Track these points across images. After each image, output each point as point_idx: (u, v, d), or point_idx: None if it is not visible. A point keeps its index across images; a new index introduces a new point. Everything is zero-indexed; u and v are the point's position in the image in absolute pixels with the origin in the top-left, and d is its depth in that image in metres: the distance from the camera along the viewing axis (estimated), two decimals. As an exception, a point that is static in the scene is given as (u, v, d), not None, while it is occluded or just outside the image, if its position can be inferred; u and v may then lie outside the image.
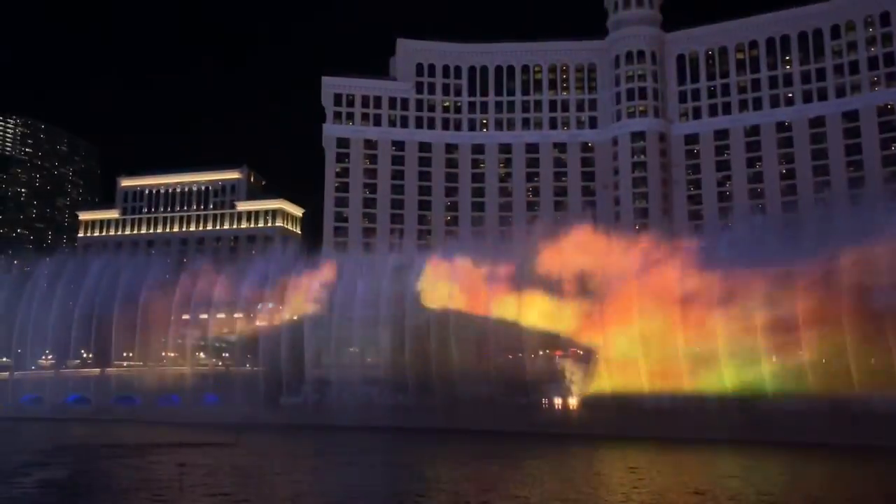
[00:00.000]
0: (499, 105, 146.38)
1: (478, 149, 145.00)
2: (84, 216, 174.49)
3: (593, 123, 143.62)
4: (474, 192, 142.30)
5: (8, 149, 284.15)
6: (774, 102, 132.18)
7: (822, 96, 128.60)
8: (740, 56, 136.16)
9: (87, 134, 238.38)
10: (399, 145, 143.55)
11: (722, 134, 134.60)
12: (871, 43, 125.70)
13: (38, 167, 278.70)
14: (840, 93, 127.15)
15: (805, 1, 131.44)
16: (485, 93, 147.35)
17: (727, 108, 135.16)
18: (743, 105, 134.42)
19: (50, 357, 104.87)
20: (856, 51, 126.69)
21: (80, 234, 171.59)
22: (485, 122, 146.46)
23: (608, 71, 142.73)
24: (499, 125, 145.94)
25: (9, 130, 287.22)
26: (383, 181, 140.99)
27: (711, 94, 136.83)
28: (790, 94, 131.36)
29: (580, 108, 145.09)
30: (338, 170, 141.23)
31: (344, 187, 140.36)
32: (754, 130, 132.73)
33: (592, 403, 66.75)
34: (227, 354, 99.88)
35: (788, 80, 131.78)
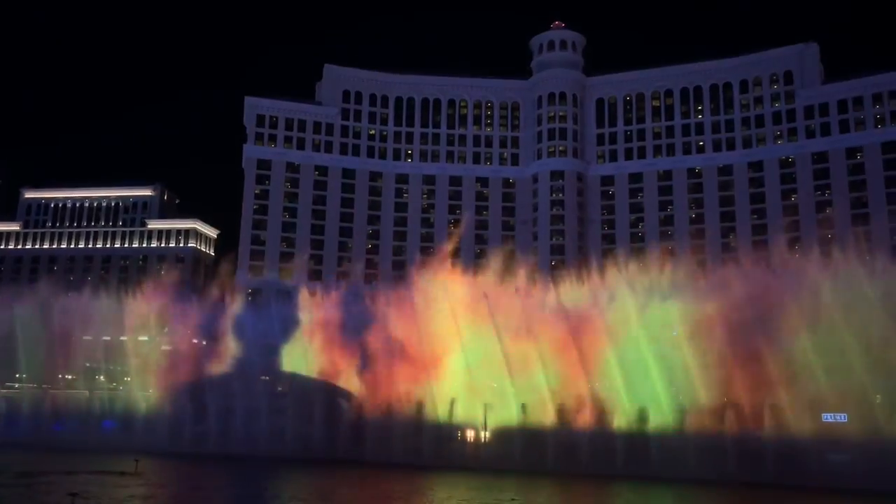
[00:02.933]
0: (424, 136, 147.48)
1: (402, 178, 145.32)
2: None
3: (515, 160, 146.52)
4: (396, 222, 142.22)
5: None
6: (687, 149, 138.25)
7: (731, 146, 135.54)
8: (656, 103, 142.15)
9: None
10: (322, 170, 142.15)
11: (636, 177, 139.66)
12: (776, 99, 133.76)
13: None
14: (746, 143, 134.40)
15: (717, 55, 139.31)
16: (410, 123, 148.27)
17: (642, 153, 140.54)
18: (657, 150, 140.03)
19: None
20: (762, 105, 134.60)
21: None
22: (409, 152, 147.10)
23: (531, 110, 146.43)
24: (423, 156, 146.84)
25: None
26: (304, 206, 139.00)
27: (628, 139, 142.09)
28: (701, 143, 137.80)
29: (503, 144, 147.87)
30: (257, 191, 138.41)
31: (263, 210, 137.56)
32: (667, 175, 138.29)
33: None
34: (128, 378, 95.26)
35: (700, 129, 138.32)
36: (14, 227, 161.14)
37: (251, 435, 70.25)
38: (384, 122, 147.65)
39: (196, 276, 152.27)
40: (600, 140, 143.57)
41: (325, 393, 72.61)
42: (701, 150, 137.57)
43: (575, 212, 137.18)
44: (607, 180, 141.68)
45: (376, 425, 63.63)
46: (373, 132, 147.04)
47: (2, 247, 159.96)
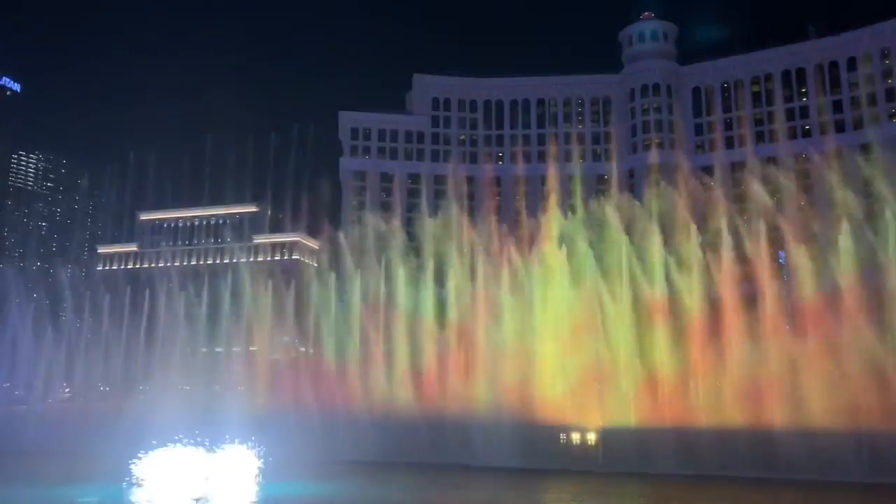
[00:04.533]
0: (514, 138, 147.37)
1: (494, 181, 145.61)
2: (103, 250, 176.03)
3: (609, 156, 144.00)
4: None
5: (30, 184, 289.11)
6: (792, 134, 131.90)
7: (840, 128, 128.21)
8: (756, 88, 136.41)
9: (107, 168, 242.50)
10: (415, 178, 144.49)
11: (739, 166, 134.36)
12: (889, 75, 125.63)
13: (59, 201, 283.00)
14: (857, 125, 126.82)
15: (820, 34, 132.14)
16: (500, 126, 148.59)
17: (743, 141, 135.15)
18: (759, 137, 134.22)
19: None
20: (872, 83, 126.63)
21: (99, 268, 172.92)
22: (500, 154, 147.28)
23: (623, 104, 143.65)
24: (514, 158, 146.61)
25: (31, 166, 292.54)
26: (398, 214, 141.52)
27: (728, 127, 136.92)
28: (807, 126, 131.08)
29: (596, 140, 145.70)
30: (354, 202, 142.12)
31: (361, 220, 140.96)
32: (772, 162, 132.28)
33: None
34: (241, 388, 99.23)
35: (805, 112, 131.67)
36: (132, 248, 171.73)
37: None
38: (473, 126, 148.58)
39: (301, 287, 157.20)
40: (698, 130, 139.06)
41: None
42: (807, 134, 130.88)
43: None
44: (707, 171, 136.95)
45: (481, 427, 62.75)
46: (463, 137, 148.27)
47: (122, 266, 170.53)
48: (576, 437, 61.20)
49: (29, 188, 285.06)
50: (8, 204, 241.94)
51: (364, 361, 77.61)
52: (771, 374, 57.99)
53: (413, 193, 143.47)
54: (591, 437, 60.78)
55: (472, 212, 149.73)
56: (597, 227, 73.85)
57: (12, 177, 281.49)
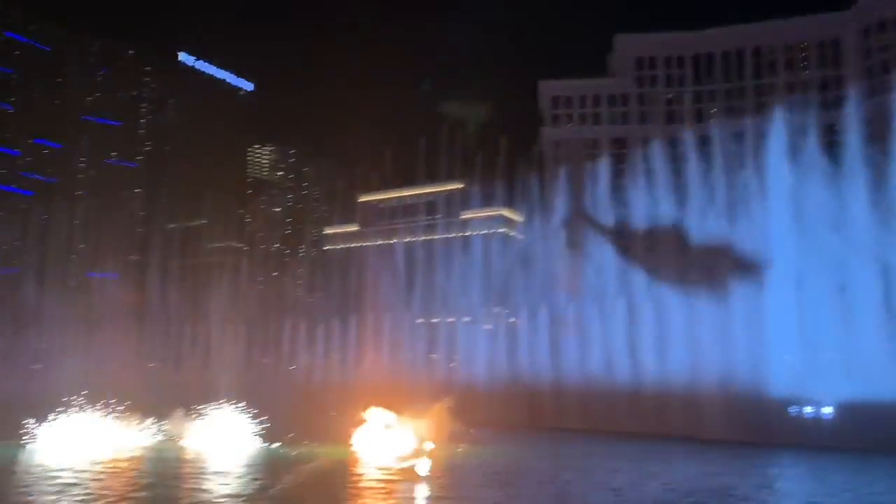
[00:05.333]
0: (728, 93, 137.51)
1: (706, 140, 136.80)
2: (329, 230, 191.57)
3: (840, 103, 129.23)
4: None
5: (265, 174, 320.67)
6: None
7: None
8: None
9: (329, 156, 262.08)
10: (620, 142, 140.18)
11: None
12: None
13: (290, 189, 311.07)
14: None
15: None
16: (711, 81, 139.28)
17: None
18: None
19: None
20: None
21: (326, 247, 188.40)
22: (713, 111, 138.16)
23: (856, 44, 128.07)
24: (728, 114, 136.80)
25: (265, 157, 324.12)
26: (605, 180, 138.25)
27: None
28: None
29: (824, 86, 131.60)
30: (558, 172, 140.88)
31: (565, 190, 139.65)
32: None
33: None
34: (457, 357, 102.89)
35: None
36: (353, 227, 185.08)
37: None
38: (682, 83, 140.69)
39: (509, 259, 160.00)
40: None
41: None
42: None
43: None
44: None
45: (710, 398, 59.30)
46: (671, 96, 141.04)
47: (346, 245, 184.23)
48: (809, 410, 56.55)
49: (264, 178, 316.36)
50: (248, 193, 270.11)
51: (575, 330, 77.11)
52: None
53: (619, 158, 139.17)
54: (826, 411, 55.85)
55: (683, 172, 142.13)
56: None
57: (250, 168, 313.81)
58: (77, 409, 45.56)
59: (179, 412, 48.49)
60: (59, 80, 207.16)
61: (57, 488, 29.42)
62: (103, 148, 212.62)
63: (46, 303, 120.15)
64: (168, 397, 52.18)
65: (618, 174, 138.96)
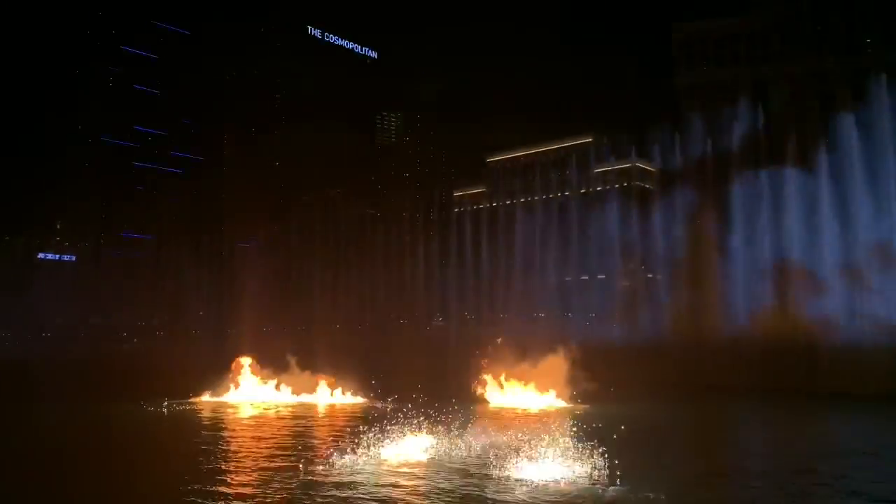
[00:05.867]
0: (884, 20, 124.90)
1: (860, 73, 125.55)
2: (458, 193, 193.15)
3: None
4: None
5: (393, 140, 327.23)
6: None
7: None
8: None
9: (454, 119, 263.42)
10: (762, 85, 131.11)
11: None
12: None
13: (419, 153, 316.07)
14: None
15: None
16: (864, 14, 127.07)
17: None
18: None
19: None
20: None
21: (456, 210, 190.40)
22: (867, 42, 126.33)
23: None
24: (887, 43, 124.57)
25: (392, 123, 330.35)
26: (742, 126, 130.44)
27: None
28: None
29: None
30: (692, 118, 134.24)
31: (699, 137, 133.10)
32: None
33: None
34: (592, 315, 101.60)
35: None
36: (482, 188, 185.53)
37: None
38: (825, 16, 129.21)
39: (643, 212, 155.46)
40: None
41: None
42: None
43: None
44: None
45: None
46: (814, 32, 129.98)
47: (475, 207, 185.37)
48: None
49: (392, 144, 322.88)
50: (378, 160, 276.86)
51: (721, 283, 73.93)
52: None
53: (758, 101, 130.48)
54: None
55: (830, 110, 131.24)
56: None
57: (378, 135, 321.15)
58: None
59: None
60: (199, 60, 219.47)
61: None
62: (242, 125, 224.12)
63: (202, 271, 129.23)
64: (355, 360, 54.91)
65: (758, 118, 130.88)
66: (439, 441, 25.88)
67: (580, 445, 23.43)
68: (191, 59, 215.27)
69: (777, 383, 54.18)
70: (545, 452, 22.63)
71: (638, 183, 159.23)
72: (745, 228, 76.06)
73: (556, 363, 44.67)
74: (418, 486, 20.46)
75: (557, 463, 22.02)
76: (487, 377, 45.88)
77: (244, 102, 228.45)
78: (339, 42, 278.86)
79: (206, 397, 47.76)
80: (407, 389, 42.42)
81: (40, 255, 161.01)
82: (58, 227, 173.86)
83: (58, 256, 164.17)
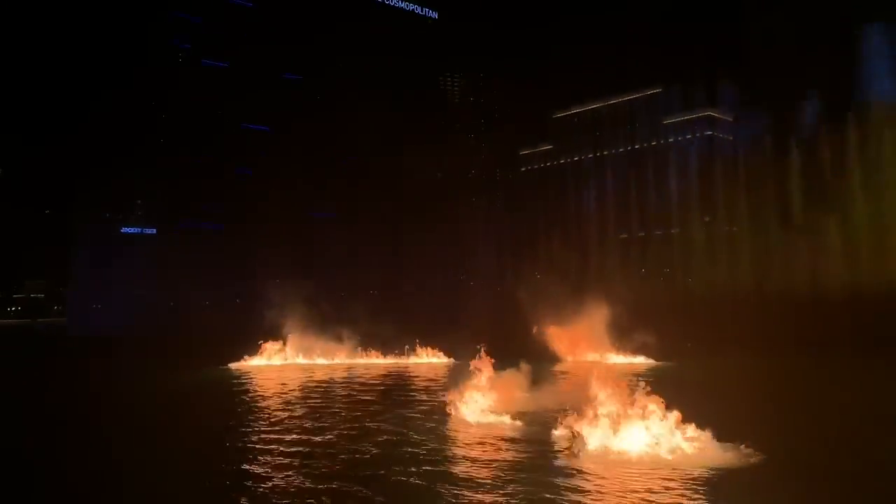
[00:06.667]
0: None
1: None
2: (523, 151, 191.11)
3: None
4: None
5: (456, 100, 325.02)
6: None
7: None
8: None
9: (518, 77, 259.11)
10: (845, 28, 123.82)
11: None
12: None
13: (483, 113, 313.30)
14: None
15: None
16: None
17: None
18: None
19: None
20: None
21: (522, 169, 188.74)
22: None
23: None
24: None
25: (455, 84, 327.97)
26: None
27: None
28: None
29: None
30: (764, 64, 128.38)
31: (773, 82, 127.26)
32: None
33: None
34: (667, 270, 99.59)
35: None
36: (547, 146, 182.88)
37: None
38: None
39: (718, 163, 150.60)
40: None
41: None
42: None
43: None
44: None
45: None
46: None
47: (540, 165, 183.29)
48: None
49: (455, 104, 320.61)
50: (442, 122, 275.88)
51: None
52: None
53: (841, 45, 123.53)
54: None
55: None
56: None
57: (441, 97, 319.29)
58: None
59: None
60: (264, 35, 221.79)
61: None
62: (307, 99, 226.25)
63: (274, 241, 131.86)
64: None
65: (838, 62, 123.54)
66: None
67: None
68: (253, 31, 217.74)
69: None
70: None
71: (710, 133, 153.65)
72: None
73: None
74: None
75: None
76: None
77: (308, 72, 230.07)
78: (401, 5, 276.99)
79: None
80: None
81: (123, 230, 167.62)
82: (139, 202, 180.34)
83: (139, 230, 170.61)
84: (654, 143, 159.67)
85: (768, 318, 56.65)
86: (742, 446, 17.64)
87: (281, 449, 20.92)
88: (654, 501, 14.72)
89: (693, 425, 18.04)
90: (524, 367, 28.44)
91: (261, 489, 16.71)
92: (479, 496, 15.49)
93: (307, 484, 16.96)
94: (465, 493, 15.78)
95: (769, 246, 73.33)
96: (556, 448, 19.22)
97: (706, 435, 17.84)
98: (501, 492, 15.69)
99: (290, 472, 18.07)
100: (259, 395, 34.36)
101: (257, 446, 21.57)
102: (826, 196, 70.95)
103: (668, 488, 15.36)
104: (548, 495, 15.30)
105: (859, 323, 50.82)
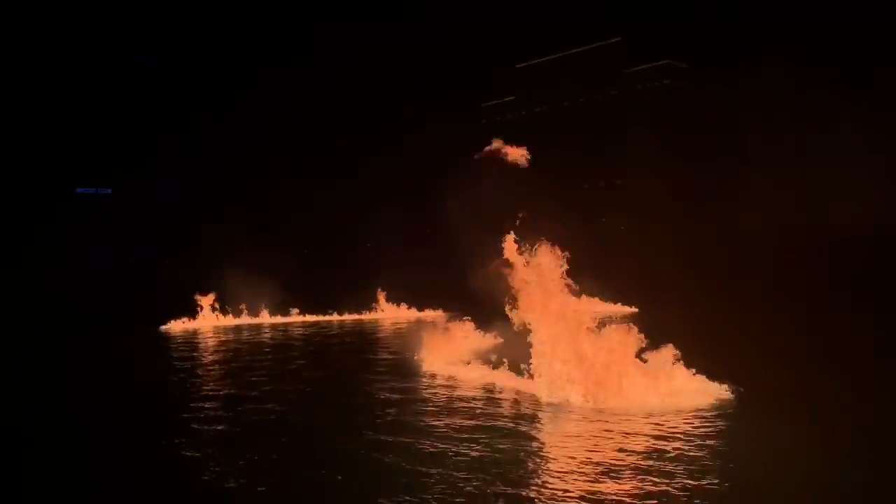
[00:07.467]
0: None
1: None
2: (485, 104, 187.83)
3: None
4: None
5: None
6: None
7: None
8: None
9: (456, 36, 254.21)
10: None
11: None
12: None
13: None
14: None
15: None
16: None
17: None
18: None
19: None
20: None
21: (483, 122, 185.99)
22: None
23: None
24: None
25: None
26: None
27: None
28: None
29: None
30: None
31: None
32: None
33: None
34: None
35: None
36: (509, 98, 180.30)
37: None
38: None
39: (677, 111, 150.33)
40: None
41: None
42: None
43: None
44: None
45: None
46: None
47: (505, 116, 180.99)
48: None
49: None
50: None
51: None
52: None
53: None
54: None
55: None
56: None
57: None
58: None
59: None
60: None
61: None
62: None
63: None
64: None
65: None
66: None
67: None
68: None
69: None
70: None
71: (669, 81, 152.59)
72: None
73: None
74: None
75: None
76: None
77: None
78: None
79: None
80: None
81: (79, 190, 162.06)
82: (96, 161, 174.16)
83: (95, 190, 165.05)
84: (614, 93, 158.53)
85: (734, 265, 56.07)
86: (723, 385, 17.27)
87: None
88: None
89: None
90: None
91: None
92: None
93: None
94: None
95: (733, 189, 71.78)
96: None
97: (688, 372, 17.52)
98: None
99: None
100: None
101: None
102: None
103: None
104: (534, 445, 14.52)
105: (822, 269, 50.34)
